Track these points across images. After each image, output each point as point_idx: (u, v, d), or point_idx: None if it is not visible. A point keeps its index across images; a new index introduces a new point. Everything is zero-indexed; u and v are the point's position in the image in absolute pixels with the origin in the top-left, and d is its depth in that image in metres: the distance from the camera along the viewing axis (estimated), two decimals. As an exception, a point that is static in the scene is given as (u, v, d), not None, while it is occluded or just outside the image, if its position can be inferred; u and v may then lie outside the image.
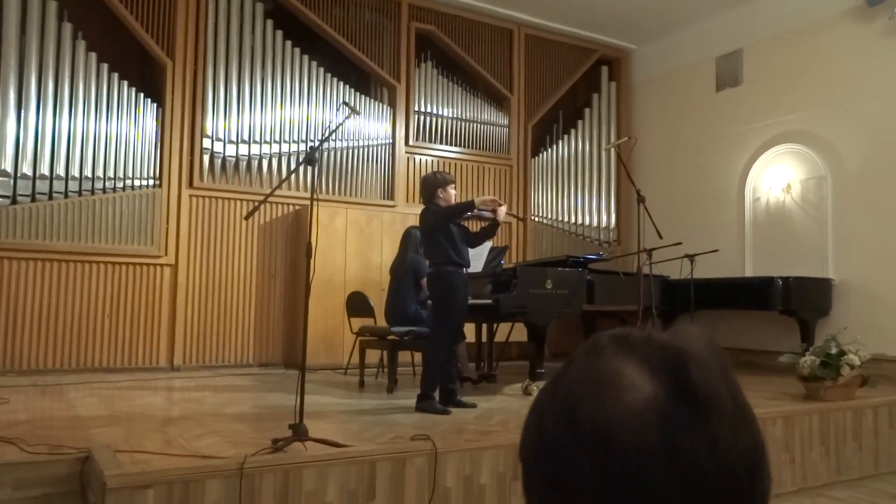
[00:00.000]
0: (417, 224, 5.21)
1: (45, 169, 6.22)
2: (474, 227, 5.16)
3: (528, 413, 0.62)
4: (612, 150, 8.71)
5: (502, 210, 4.76)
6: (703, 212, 8.36)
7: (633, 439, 0.53)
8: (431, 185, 4.72)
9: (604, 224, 9.23)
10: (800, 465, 4.48)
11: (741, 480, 0.54)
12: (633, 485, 0.52)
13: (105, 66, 6.59)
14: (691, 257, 6.23)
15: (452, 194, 4.74)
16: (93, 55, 6.53)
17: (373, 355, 6.07)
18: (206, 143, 6.90)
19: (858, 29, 7.04)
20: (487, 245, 5.56)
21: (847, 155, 7.08)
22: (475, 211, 4.75)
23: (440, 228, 4.59)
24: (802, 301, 6.79)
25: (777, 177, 7.70)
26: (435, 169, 7.90)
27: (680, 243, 5.90)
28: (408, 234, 5.86)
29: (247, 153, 7.08)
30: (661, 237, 5.37)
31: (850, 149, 7.06)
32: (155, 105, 6.82)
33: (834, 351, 4.84)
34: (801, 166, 7.51)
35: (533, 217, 8.79)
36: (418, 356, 5.35)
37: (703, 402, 0.55)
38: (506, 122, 8.74)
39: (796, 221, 7.50)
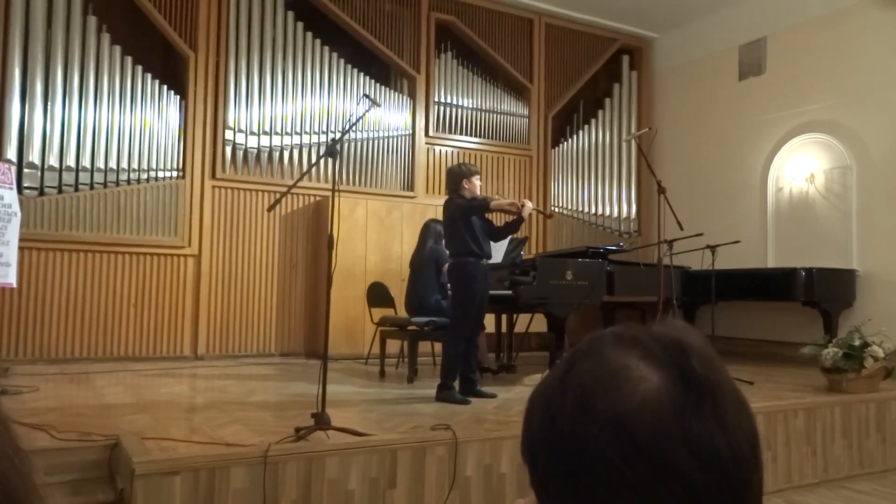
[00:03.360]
0: (438, 215, 5.23)
1: (71, 161, 6.33)
2: (499, 220, 5.17)
3: (531, 415, 0.65)
4: (633, 140, 8.65)
5: (528, 206, 4.74)
6: (724, 202, 8.29)
7: (652, 427, 0.57)
8: (456, 176, 4.74)
9: (624, 215, 9.19)
10: (822, 457, 4.46)
11: (747, 455, 0.59)
12: (658, 468, 0.57)
13: (129, 59, 6.67)
14: (713, 248, 6.19)
15: (477, 185, 4.75)
16: (117, 48, 6.62)
17: (393, 345, 6.11)
18: (229, 134, 6.97)
19: (884, 16, 6.92)
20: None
21: (873, 144, 6.98)
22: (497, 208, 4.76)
23: (464, 220, 4.61)
24: (825, 292, 6.72)
25: (801, 167, 7.61)
26: (455, 160, 7.92)
27: (701, 234, 5.87)
28: (426, 227, 5.92)
29: (268, 144, 7.14)
30: (681, 228, 5.35)
31: (875, 138, 6.96)
32: (178, 97, 6.89)
33: (857, 342, 4.80)
34: (826, 156, 7.41)
35: (553, 208, 8.77)
36: (438, 346, 5.39)
37: (708, 389, 0.59)
38: (526, 112, 8.72)
39: (820, 212, 7.42)
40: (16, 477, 0.41)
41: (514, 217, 4.82)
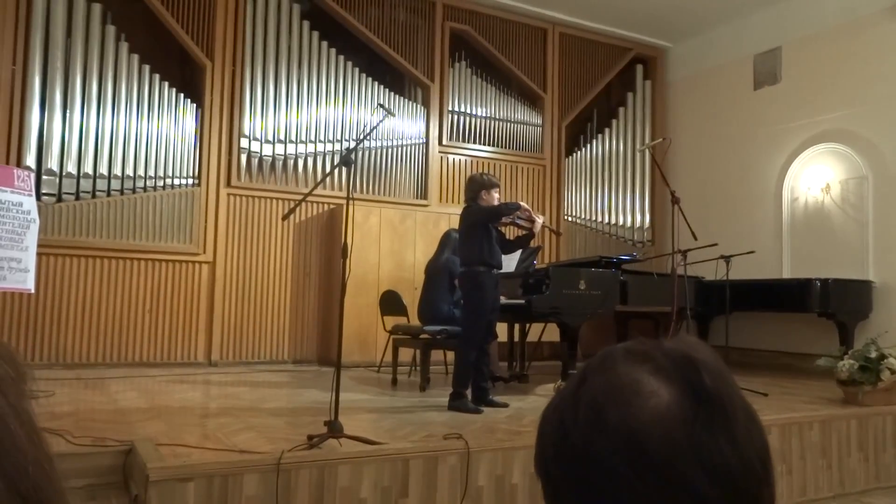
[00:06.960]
0: (452, 224, 5.25)
1: (88, 168, 6.40)
2: (510, 234, 5.20)
3: (544, 429, 0.66)
4: (647, 150, 8.64)
5: (539, 222, 4.85)
6: (739, 212, 8.25)
7: (663, 441, 0.58)
8: (477, 185, 4.77)
9: (638, 224, 9.17)
10: (837, 470, 4.41)
11: (758, 470, 0.60)
12: (669, 481, 0.57)
13: (147, 68, 6.74)
14: (727, 258, 6.16)
15: (496, 198, 4.77)
16: (135, 57, 6.69)
17: (406, 353, 6.12)
18: (244, 142, 7.03)
19: (902, 26, 6.88)
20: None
21: (889, 154, 6.93)
22: (514, 216, 4.78)
23: (479, 225, 4.63)
24: (841, 303, 6.67)
25: (816, 177, 7.57)
26: (468, 169, 7.95)
27: (715, 244, 5.84)
28: (447, 235, 5.91)
29: (283, 153, 7.19)
30: (695, 238, 5.33)
31: (892, 148, 6.91)
32: (194, 105, 6.96)
33: (874, 355, 4.75)
34: (841, 166, 7.37)
35: (566, 217, 8.76)
36: (451, 355, 5.39)
37: (719, 404, 0.60)
38: (539, 121, 8.73)
39: (836, 222, 7.37)
40: (48, 485, 0.42)
41: (526, 232, 4.88)
